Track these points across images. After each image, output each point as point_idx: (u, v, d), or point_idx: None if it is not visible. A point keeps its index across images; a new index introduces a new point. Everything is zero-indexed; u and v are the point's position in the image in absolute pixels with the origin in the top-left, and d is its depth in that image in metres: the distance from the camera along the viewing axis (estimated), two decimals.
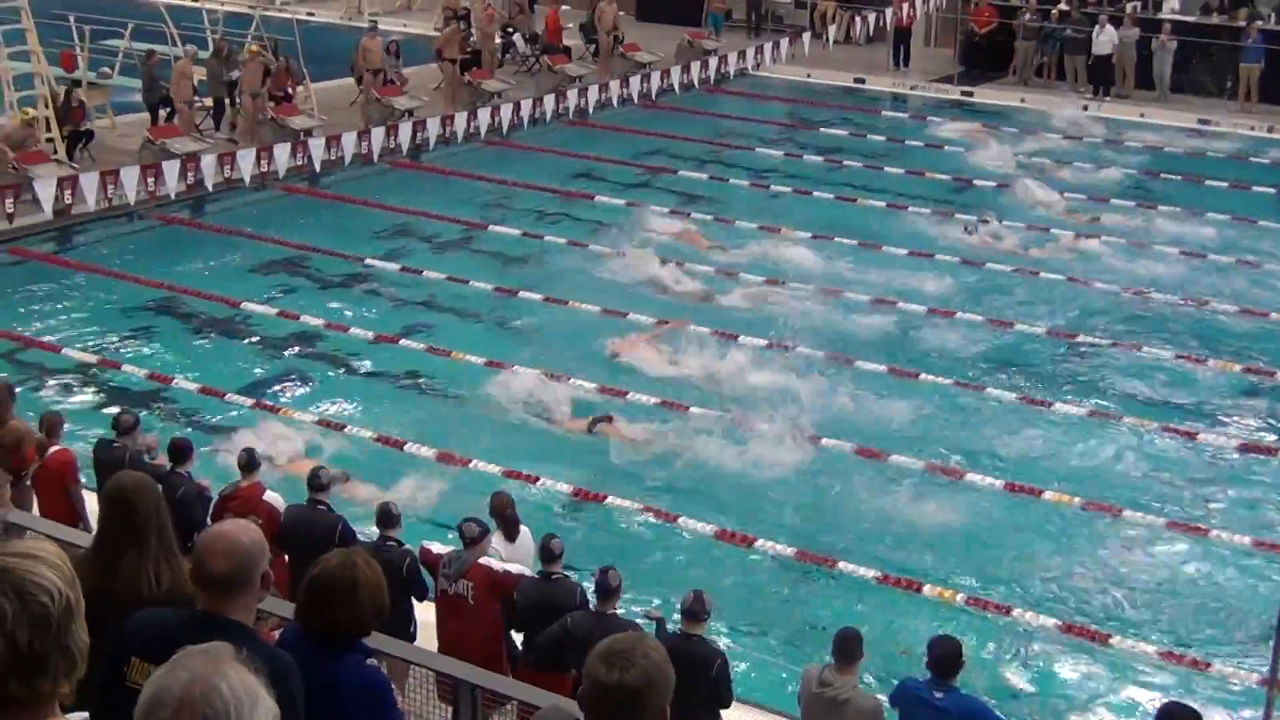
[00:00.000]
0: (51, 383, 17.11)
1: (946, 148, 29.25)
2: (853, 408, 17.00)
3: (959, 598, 13.25)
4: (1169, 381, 18.29)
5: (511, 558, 10.93)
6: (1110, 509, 14.94)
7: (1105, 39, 32.33)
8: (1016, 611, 13.07)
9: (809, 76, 34.96)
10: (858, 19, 36.79)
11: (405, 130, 26.98)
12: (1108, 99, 32.42)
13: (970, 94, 33.59)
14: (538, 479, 15.15)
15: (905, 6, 35.23)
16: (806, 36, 35.42)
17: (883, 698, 9.55)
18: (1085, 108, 31.95)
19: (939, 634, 9.72)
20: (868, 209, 25.17)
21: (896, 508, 14.89)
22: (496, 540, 11.03)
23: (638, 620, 10.20)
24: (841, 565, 13.71)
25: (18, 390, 13.39)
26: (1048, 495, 15.15)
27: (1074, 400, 17.53)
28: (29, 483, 12.23)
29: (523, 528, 11.37)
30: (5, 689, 3.18)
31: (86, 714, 4.17)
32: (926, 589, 13.30)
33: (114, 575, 5.73)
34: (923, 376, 17.94)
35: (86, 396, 16.90)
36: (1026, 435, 16.73)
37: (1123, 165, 28.12)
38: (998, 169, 27.53)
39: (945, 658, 9.01)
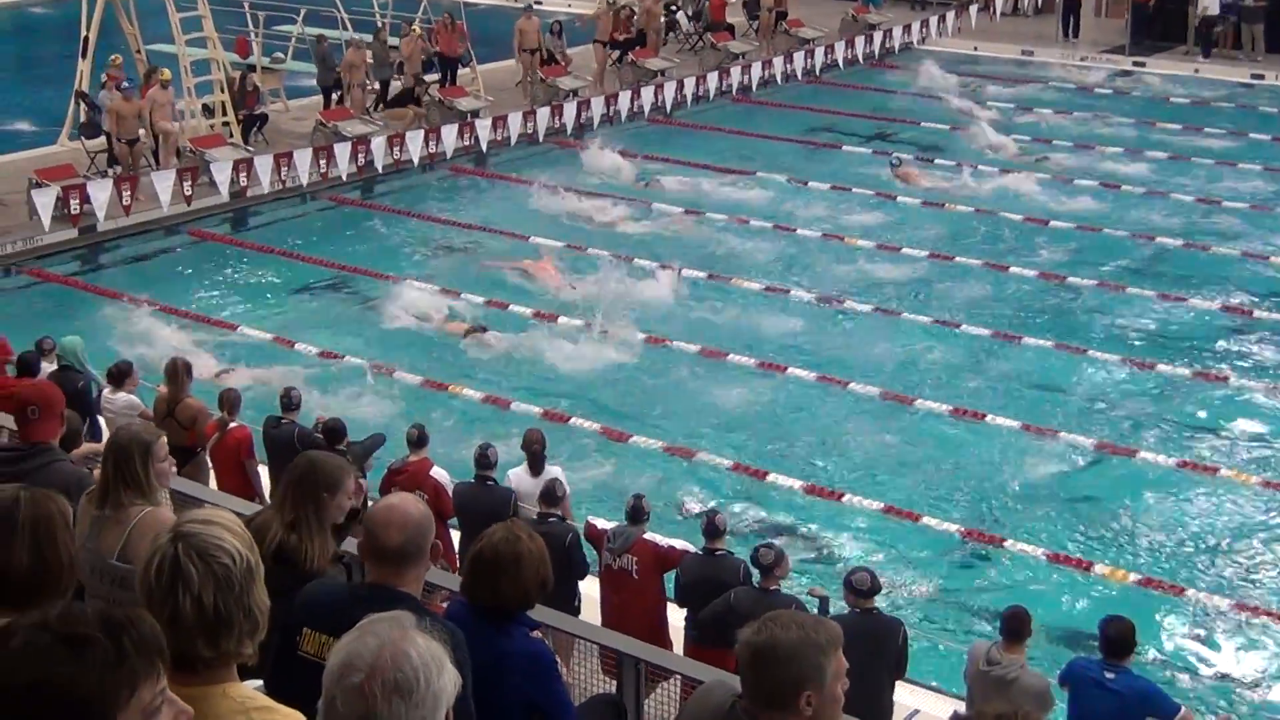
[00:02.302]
0: (227, 360, 17.53)
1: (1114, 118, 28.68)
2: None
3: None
4: None
5: (533, 492, 11.18)
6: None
7: None
8: (1191, 592, 12.81)
9: (975, 49, 34.42)
10: None
11: (570, 110, 27.14)
12: None
13: (1142, 64, 32.79)
14: None
15: None
16: (973, 9, 34.93)
17: (1051, 679, 9.42)
18: (1262, 76, 31.04)
19: (1111, 614, 9.54)
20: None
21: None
22: (522, 472, 11.60)
23: (801, 598, 10.15)
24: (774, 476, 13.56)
25: (194, 367, 13.71)
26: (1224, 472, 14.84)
27: None
28: (206, 458, 12.58)
29: (550, 466, 11.69)
30: (193, 649, 3.30)
31: (261, 681, 4.30)
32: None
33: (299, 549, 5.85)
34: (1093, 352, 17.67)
35: (260, 373, 17.28)
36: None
37: None
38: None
39: (1118, 638, 8.87)
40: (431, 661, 2.97)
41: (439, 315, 18.90)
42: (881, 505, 14.26)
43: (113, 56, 24.07)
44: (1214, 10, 32.31)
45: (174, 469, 8.20)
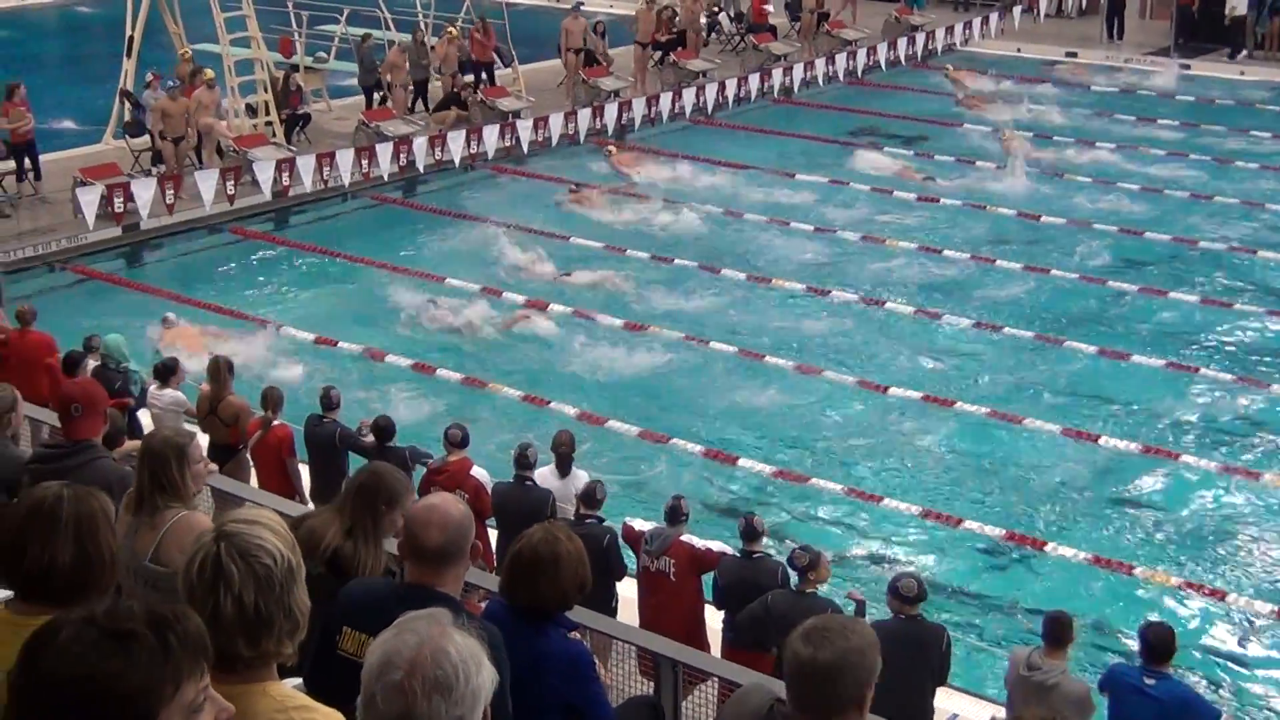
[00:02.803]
0: (269, 358, 17.61)
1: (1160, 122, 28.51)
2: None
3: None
4: None
5: (562, 494, 11.26)
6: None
7: None
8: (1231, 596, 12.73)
9: (1019, 51, 34.27)
10: None
11: (611, 111, 27.16)
12: None
13: (1187, 66, 32.58)
14: None
15: None
16: (1017, 10, 34.81)
17: (1091, 684, 9.38)
18: None
19: (1151, 620, 9.51)
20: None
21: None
22: (548, 473, 11.62)
23: (835, 600, 10.14)
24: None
25: (236, 365, 13.79)
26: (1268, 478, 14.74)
27: None
28: (247, 456, 12.66)
29: (576, 469, 11.72)
30: (233, 648, 3.32)
31: (301, 680, 4.33)
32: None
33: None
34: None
35: (301, 371, 17.36)
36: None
37: None
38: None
39: (1158, 643, 8.83)
40: (470, 659, 2.98)
41: (479, 314, 18.92)
42: (922, 509, 14.22)
43: (182, 51, 24.36)
44: (1241, 10, 32.07)
45: (211, 469, 8.24)
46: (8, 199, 21.87)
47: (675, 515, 10.65)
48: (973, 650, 12.00)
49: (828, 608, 9.21)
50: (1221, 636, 12.37)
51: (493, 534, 11.62)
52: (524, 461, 11.47)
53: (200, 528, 5.78)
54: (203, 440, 10.82)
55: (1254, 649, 12.24)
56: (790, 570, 9.89)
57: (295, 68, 27.06)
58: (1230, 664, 12.04)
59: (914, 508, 14.24)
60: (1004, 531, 13.80)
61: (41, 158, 22.79)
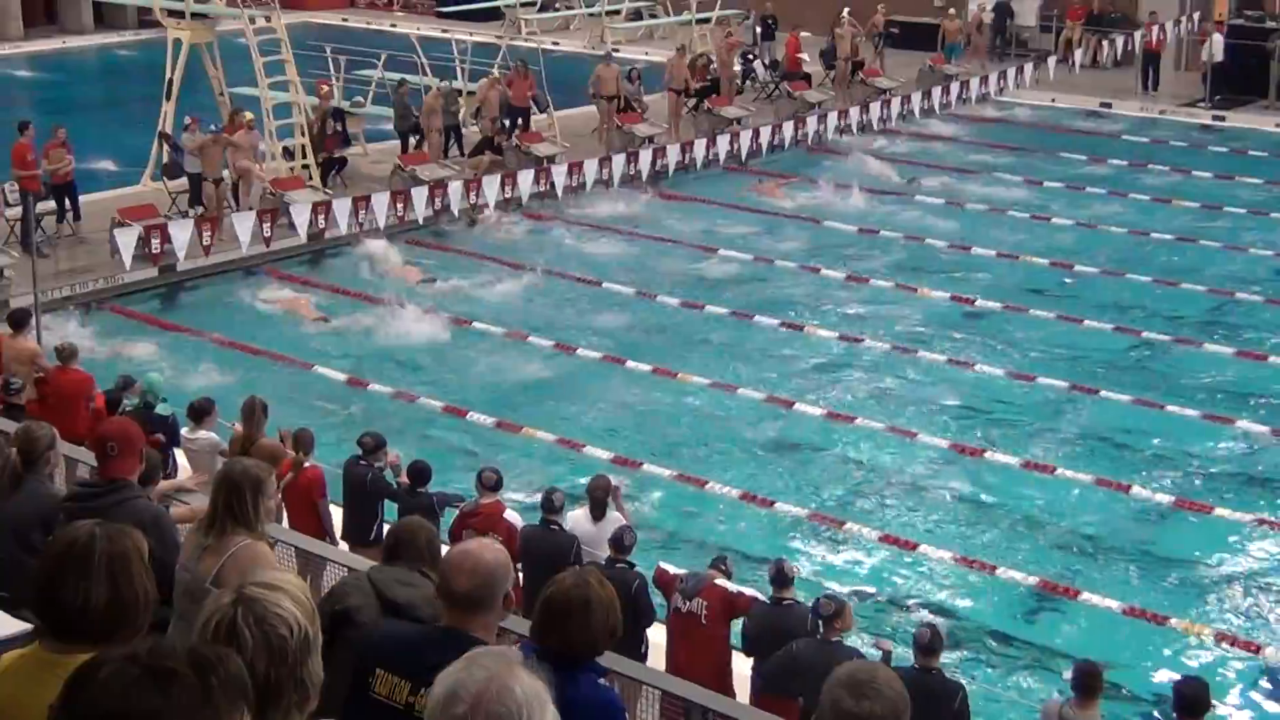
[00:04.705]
0: (302, 399, 17.69)
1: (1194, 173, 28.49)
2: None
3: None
4: None
5: (595, 539, 11.23)
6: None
7: None
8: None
9: (1053, 101, 34.30)
10: (1104, 43, 36.02)
11: (645, 157, 27.27)
12: None
13: (1222, 119, 32.55)
14: None
15: (1155, 30, 34.39)
16: (1052, 60, 34.85)
17: None
18: None
19: (1186, 674, 9.45)
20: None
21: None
22: (581, 516, 11.62)
23: (859, 648, 10.10)
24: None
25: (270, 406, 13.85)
26: None
27: None
28: (279, 496, 12.69)
29: (611, 513, 11.64)
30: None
31: None
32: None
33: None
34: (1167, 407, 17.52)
35: (335, 411, 17.43)
36: None
37: None
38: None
39: (1192, 698, 8.78)
40: (535, 699, 2.97)
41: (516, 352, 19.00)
42: (955, 554, 14.17)
43: (236, 107, 24.56)
44: None
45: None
46: (47, 239, 22.06)
47: (717, 565, 10.73)
48: (1006, 701, 11.92)
49: (852, 655, 9.18)
50: (1255, 691, 12.25)
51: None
52: (550, 505, 11.50)
53: (263, 558, 5.90)
54: None
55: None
56: (815, 618, 9.87)
57: (336, 111, 27.25)
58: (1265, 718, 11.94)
59: (947, 553, 14.19)
60: (1038, 579, 13.73)
61: (80, 198, 23.01)
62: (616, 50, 30.37)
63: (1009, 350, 19.61)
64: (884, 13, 35.39)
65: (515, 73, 28.58)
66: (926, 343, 19.80)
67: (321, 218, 22.93)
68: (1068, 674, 9.83)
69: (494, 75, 28.47)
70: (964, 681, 10.04)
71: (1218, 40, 32.33)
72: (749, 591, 10.65)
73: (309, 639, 3.40)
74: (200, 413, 13.36)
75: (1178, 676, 9.35)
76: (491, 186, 24.82)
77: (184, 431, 13.36)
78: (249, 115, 23.93)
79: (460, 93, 28.17)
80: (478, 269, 22.99)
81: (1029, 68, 34.66)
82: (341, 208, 23.10)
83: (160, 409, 13.72)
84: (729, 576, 10.79)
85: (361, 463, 12.70)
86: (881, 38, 35.62)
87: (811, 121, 30.32)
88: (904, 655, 10.15)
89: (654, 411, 17.81)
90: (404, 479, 12.54)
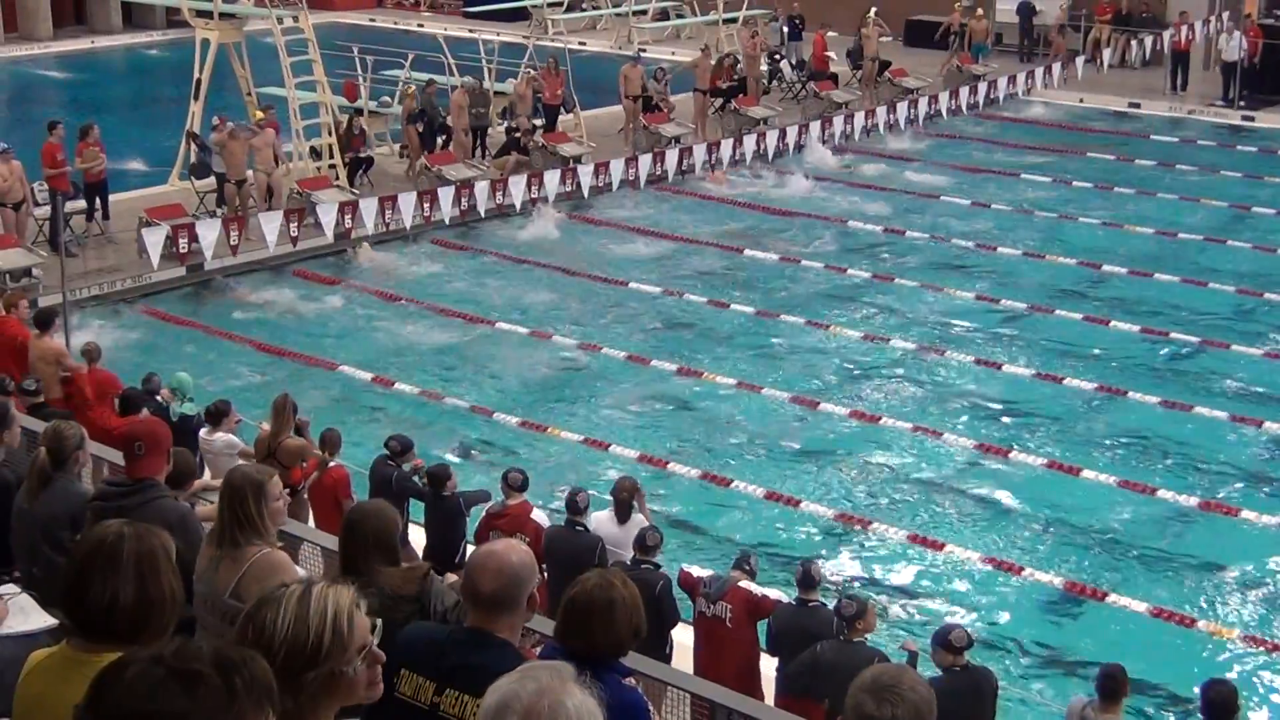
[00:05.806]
0: (330, 399, 17.73)
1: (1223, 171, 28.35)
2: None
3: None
4: None
5: (620, 540, 11.21)
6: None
7: None
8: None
9: (1081, 101, 34.18)
10: (1133, 42, 35.87)
11: (671, 157, 27.25)
12: None
13: (1251, 119, 32.38)
14: None
15: (1184, 29, 34.23)
16: (1080, 60, 34.71)
17: None
18: None
19: (1214, 678, 9.40)
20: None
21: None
22: (605, 518, 11.59)
23: (883, 649, 10.09)
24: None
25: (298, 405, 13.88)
26: None
27: None
28: (305, 496, 12.73)
29: (635, 515, 11.62)
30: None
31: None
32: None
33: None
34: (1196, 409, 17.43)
35: (360, 411, 17.47)
36: None
37: None
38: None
39: (1220, 702, 8.74)
40: (587, 715, 2.97)
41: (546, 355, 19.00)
42: (983, 555, 14.13)
43: (265, 104, 24.68)
44: None
45: (288, 501, 8.31)
46: (75, 238, 22.15)
47: (741, 564, 10.69)
48: (1031, 702, 11.88)
49: (875, 657, 9.18)
50: None
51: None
52: (575, 506, 11.51)
53: (281, 567, 5.88)
54: None
55: None
56: (838, 619, 9.87)
57: (359, 111, 27.33)
58: None
59: (974, 554, 14.15)
60: (1065, 581, 13.68)
61: (110, 198, 23.11)
62: (644, 51, 30.30)
63: (1036, 351, 19.55)
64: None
65: (548, 69, 28.62)
66: (953, 343, 19.77)
67: (349, 217, 22.96)
68: (1082, 678, 9.82)
69: (530, 74, 28.50)
70: None
71: (1236, 37, 32.08)
72: (773, 594, 10.64)
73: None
74: (218, 415, 13.37)
75: (1205, 680, 9.26)
76: (518, 186, 24.84)
77: (202, 433, 13.36)
78: (259, 114, 24.07)
79: (487, 92, 28.18)
80: (504, 268, 23.02)
81: (1057, 67, 34.52)
82: (368, 207, 23.10)
83: (186, 408, 13.77)
84: (753, 575, 10.76)
85: (389, 463, 12.73)
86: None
87: (838, 121, 30.26)
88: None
89: (679, 411, 17.80)
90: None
